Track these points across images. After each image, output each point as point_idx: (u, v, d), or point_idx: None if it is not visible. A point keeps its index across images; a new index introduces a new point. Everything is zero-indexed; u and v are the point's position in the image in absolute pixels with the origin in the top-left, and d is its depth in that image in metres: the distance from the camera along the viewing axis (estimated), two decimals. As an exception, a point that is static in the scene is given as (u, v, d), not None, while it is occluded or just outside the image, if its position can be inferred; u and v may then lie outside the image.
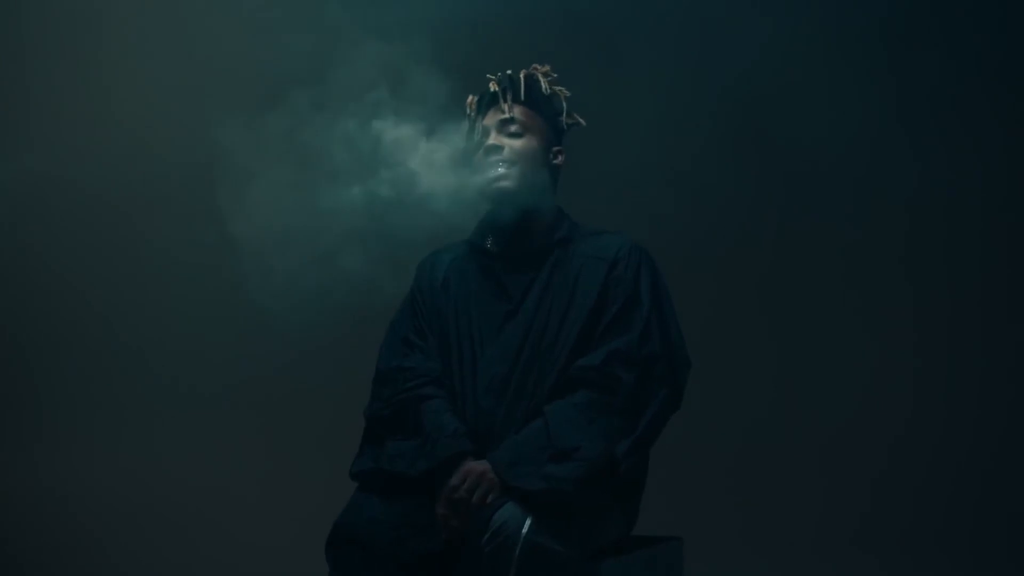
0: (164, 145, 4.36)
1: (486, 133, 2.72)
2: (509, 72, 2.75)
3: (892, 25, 4.41)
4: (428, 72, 2.64)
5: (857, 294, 4.44)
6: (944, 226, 4.41)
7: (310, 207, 2.62)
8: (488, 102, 2.74)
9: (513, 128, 2.70)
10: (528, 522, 2.36)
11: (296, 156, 2.65)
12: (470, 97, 2.77)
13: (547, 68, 2.78)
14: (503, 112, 2.71)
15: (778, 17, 4.36)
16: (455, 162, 2.70)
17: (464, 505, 2.42)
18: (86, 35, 4.49)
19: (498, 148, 2.68)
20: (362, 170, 2.65)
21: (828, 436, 4.35)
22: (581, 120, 2.82)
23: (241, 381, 4.44)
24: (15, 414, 4.50)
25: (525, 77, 2.75)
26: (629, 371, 2.53)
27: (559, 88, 2.79)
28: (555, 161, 2.77)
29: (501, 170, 2.66)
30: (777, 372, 4.42)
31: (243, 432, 4.41)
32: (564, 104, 2.79)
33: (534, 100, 2.74)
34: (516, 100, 2.72)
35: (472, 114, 2.76)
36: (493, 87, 2.73)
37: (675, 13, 4.41)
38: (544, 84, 2.74)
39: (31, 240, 4.50)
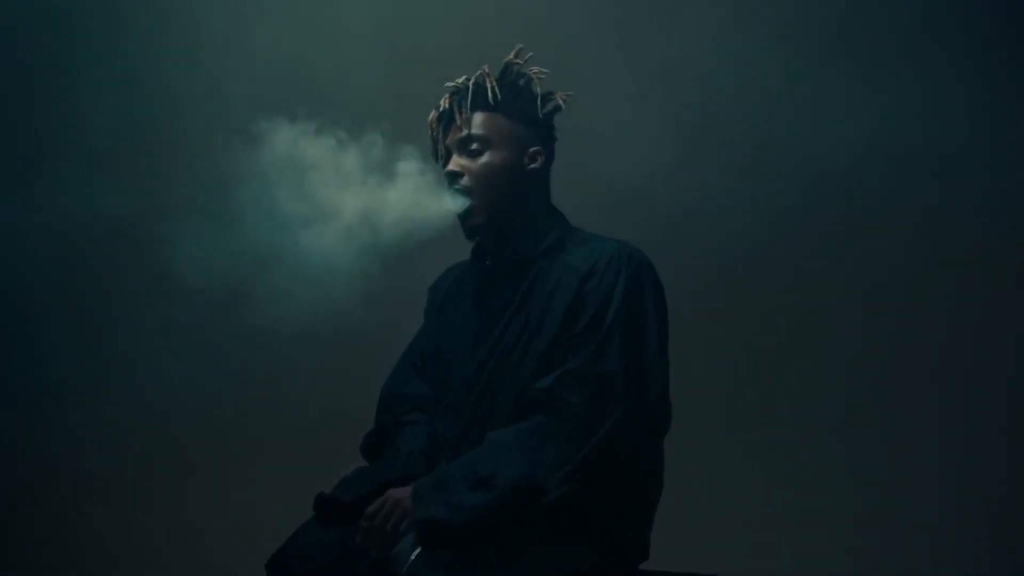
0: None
1: (448, 155, 2.54)
2: (461, 80, 2.52)
3: (895, 25, 4.33)
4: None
5: (876, 301, 4.26)
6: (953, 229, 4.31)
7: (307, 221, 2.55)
8: (448, 118, 2.54)
9: (474, 146, 2.49)
10: (415, 553, 2.24)
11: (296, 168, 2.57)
12: (432, 114, 2.57)
13: (512, 56, 2.53)
14: (460, 130, 2.50)
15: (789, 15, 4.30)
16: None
17: (379, 533, 2.28)
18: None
19: (457, 175, 2.49)
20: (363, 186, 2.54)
21: (875, 463, 4.17)
22: (561, 102, 2.54)
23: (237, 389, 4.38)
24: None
25: (476, 83, 2.51)
26: (580, 392, 2.31)
27: (532, 69, 2.54)
28: (532, 165, 2.52)
29: (462, 199, 2.48)
30: (797, 388, 4.23)
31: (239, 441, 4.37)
32: (538, 90, 2.53)
33: (495, 104, 2.49)
34: (475, 109, 2.50)
35: (434, 134, 2.57)
36: (445, 103, 2.53)
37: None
38: (492, 88, 2.48)
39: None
